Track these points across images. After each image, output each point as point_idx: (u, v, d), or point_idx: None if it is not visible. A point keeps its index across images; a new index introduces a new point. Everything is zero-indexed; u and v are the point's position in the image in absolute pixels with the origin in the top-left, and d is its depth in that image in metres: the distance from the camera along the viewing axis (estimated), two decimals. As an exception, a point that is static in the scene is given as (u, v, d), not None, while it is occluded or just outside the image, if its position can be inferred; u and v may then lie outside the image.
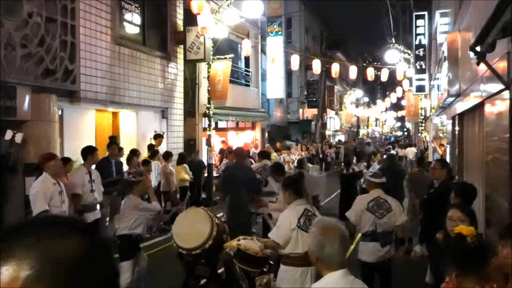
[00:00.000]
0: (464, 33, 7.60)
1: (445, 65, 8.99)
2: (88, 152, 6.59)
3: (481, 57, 3.13)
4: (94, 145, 8.65)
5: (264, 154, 7.91)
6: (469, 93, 6.67)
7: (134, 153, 8.59)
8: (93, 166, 6.81)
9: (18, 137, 6.83)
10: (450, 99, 8.77)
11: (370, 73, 18.49)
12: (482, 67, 5.09)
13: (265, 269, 4.75)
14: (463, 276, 2.31)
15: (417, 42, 17.27)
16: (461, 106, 7.74)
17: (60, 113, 8.08)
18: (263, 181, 7.19)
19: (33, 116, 7.09)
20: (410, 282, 6.23)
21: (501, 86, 3.96)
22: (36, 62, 7.02)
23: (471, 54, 6.03)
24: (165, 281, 6.00)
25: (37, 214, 4.92)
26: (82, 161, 7.67)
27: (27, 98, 6.97)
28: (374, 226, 4.76)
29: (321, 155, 19.93)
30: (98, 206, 6.59)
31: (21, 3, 6.70)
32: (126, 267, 5.06)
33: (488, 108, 5.22)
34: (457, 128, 8.77)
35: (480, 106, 5.92)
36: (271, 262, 4.86)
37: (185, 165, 10.20)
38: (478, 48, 3.09)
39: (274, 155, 13.57)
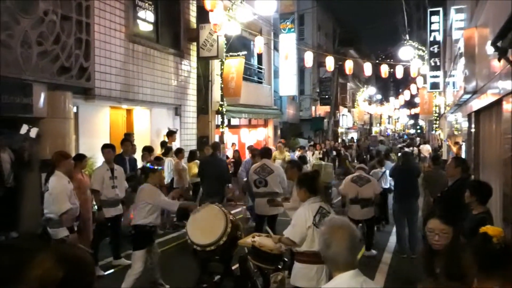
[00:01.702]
0: (481, 29, 7.48)
1: (461, 61, 8.86)
2: (101, 149, 6.68)
3: (502, 53, 3.07)
4: (108, 142, 8.75)
5: (264, 153, 7.42)
6: (486, 90, 6.56)
7: (148, 150, 8.64)
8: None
9: (33, 132, 6.93)
10: (466, 96, 8.64)
11: (384, 70, 18.33)
12: (501, 63, 5.00)
13: (279, 266, 4.74)
14: (486, 278, 2.24)
15: (431, 39, 17.03)
16: (477, 103, 7.63)
17: (75, 110, 8.16)
18: (262, 181, 6.88)
19: (49, 113, 7.18)
20: (422, 279, 6.17)
21: (521, 83, 3.89)
22: (51, 59, 7.09)
23: (489, 51, 5.94)
24: (179, 277, 6.03)
25: (61, 214, 5.08)
26: (97, 158, 7.79)
27: (43, 95, 7.05)
28: (356, 194, 7.16)
29: (334, 153, 19.78)
30: (120, 202, 6.70)
31: (37, 2, 6.78)
32: (139, 256, 5.13)
33: (506, 106, 5.13)
34: (473, 126, 8.64)
35: (497, 104, 5.83)
36: (286, 259, 4.85)
37: (196, 160, 10.22)
38: (499, 44, 3.03)
39: (287, 154, 13.49)
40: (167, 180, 9.19)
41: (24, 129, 6.85)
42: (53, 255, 1.43)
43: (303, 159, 9.73)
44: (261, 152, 7.61)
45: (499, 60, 3.46)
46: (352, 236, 2.12)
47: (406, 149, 16.26)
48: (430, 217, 2.80)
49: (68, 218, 5.17)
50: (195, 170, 10.00)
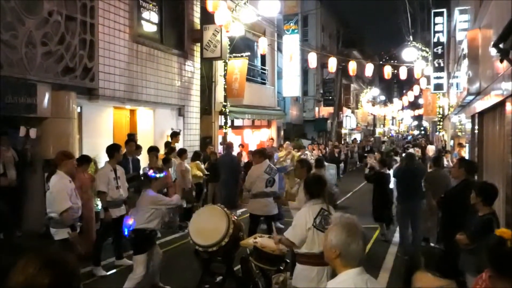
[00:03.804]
0: (485, 30, 7.46)
1: (465, 63, 8.86)
2: (114, 149, 6.70)
3: (504, 54, 3.07)
4: (112, 142, 8.78)
5: (263, 154, 7.48)
6: (489, 92, 6.55)
7: (155, 150, 8.68)
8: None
9: (33, 132, 6.97)
10: (470, 97, 8.63)
11: (387, 71, 18.28)
12: (504, 65, 4.99)
13: (281, 267, 4.74)
14: (498, 278, 2.34)
15: (435, 40, 17.02)
16: (481, 104, 7.61)
17: (79, 110, 8.18)
18: (271, 181, 6.98)
19: (52, 113, 7.20)
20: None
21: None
22: (56, 60, 7.12)
23: (493, 52, 5.92)
24: (181, 278, 6.04)
25: (61, 213, 5.11)
26: (100, 158, 7.81)
27: (47, 95, 7.08)
28: None
29: (336, 154, 19.74)
30: (123, 203, 6.70)
31: (42, 2, 6.81)
32: (140, 261, 5.11)
33: (510, 107, 5.11)
34: (476, 127, 8.62)
35: (501, 105, 5.82)
36: (288, 261, 4.85)
37: (198, 161, 10.25)
38: (501, 45, 3.03)
39: (294, 153, 13.47)
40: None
41: (23, 131, 6.88)
42: (38, 260, 1.34)
43: (320, 162, 9.35)
44: (264, 153, 7.57)
45: (501, 61, 3.46)
46: (364, 234, 2.20)
47: (411, 150, 16.20)
48: (414, 269, 1.82)
49: (69, 217, 5.18)
50: (195, 170, 10.03)
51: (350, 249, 2.12)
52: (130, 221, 5.30)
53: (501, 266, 2.33)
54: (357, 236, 2.14)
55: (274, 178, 7.03)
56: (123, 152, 8.09)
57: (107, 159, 6.74)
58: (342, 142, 25.74)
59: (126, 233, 5.43)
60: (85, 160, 6.49)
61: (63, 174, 5.31)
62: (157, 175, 5.27)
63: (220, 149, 13.25)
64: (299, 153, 14.13)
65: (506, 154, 5.46)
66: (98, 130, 8.98)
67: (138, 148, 8.59)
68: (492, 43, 3.45)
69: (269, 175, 7.00)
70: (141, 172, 7.89)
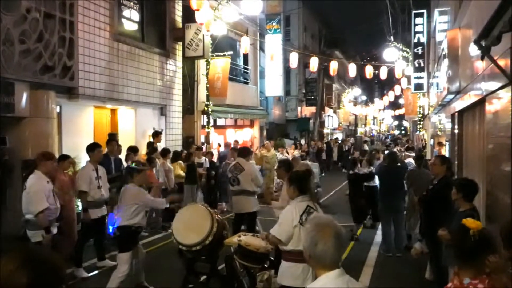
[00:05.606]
0: (464, 30, 7.58)
1: (445, 62, 8.97)
2: (89, 149, 6.60)
3: (485, 51, 3.11)
4: (93, 142, 8.64)
5: (240, 152, 7.46)
6: (469, 91, 6.65)
7: (132, 150, 8.56)
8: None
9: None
10: (450, 97, 8.75)
11: (369, 71, 18.46)
12: (483, 63, 5.07)
13: (265, 265, 4.73)
14: (460, 269, 2.36)
15: (415, 40, 17.28)
16: (460, 103, 7.72)
17: (58, 109, 8.04)
18: (235, 180, 6.99)
19: (31, 112, 7.05)
20: (410, 279, 6.23)
21: (504, 82, 3.94)
22: (34, 58, 6.97)
23: (472, 51, 6.01)
24: (165, 278, 5.98)
25: (37, 213, 5.02)
26: (80, 158, 7.68)
27: (25, 94, 6.93)
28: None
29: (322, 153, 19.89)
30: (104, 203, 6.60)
31: (20, -1, 6.66)
32: (125, 259, 5.07)
33: (489, 106, 5.20)
34: (456, 125, 8.75)
35: (480, 103, 5.91)
36: (272, 258, 4.84)
37: (180, 161, 10.16)
38: (482, 42, 3.07)
39: (273, 152, 13.52)
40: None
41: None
42: (18, 257, 1.30)
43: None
44: (238, 151, 7.70)
45: (482, 58, 3.51)
46: (339, 234, 2.10)
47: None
48: None
49: (45, 218, 5.08)
50: (179, 171, 9.95)
51: (317, 249, 2.05)
52: (114, 219, 5.24)
53: (461, 254, 2.35)
54: (326, 236, 2.06)
55: (237, 178, 6.96)
56: (104, 152, 8.01)
57: (87, 159, 6.64)
58: (325, 141, 25.88)
59: (111, 231, 5.35)
60: (63, 158, 6.38)
61: (41, 174, 5.22)
62: (141, 168, 5.26)
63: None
64: (279, 153, 14.23)
65: (485, 152, 5.55)
66: (78, 130, 8.83)
67: (118, 147, 8.48)
68: (473, 40, 3.50)
69: (231, 174, 7.07)
70: (124, 172, 7.78)
